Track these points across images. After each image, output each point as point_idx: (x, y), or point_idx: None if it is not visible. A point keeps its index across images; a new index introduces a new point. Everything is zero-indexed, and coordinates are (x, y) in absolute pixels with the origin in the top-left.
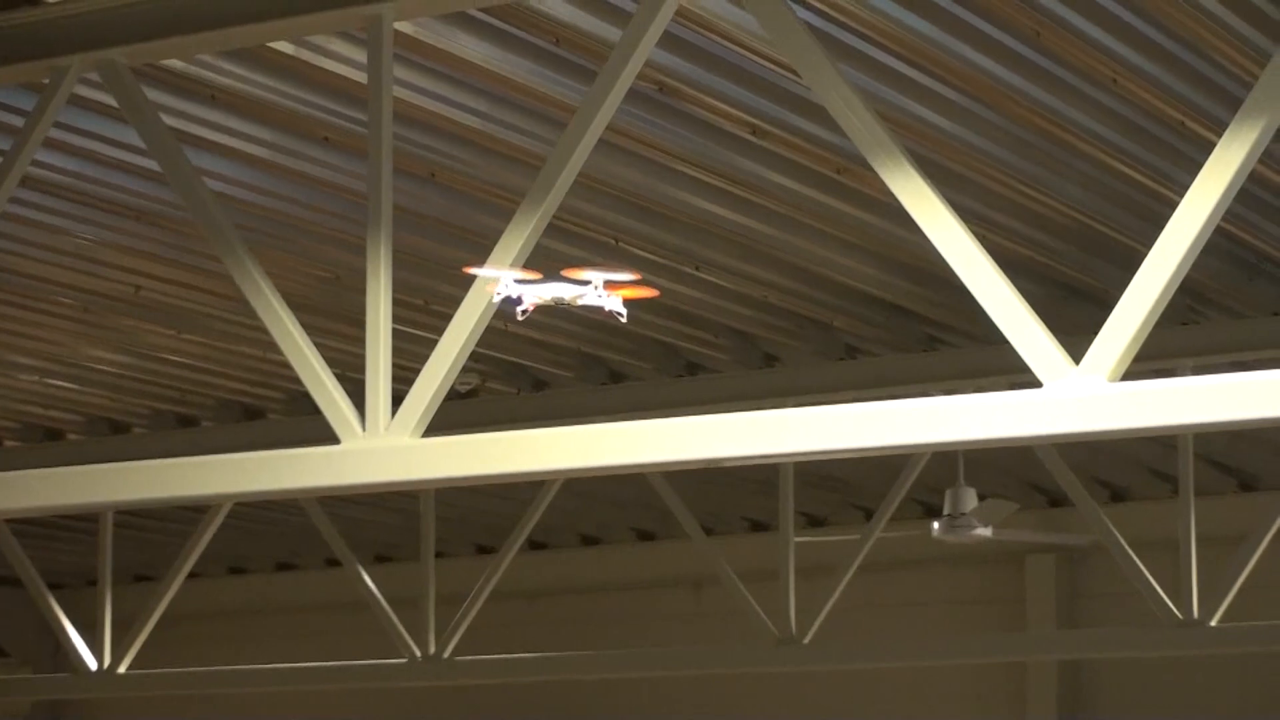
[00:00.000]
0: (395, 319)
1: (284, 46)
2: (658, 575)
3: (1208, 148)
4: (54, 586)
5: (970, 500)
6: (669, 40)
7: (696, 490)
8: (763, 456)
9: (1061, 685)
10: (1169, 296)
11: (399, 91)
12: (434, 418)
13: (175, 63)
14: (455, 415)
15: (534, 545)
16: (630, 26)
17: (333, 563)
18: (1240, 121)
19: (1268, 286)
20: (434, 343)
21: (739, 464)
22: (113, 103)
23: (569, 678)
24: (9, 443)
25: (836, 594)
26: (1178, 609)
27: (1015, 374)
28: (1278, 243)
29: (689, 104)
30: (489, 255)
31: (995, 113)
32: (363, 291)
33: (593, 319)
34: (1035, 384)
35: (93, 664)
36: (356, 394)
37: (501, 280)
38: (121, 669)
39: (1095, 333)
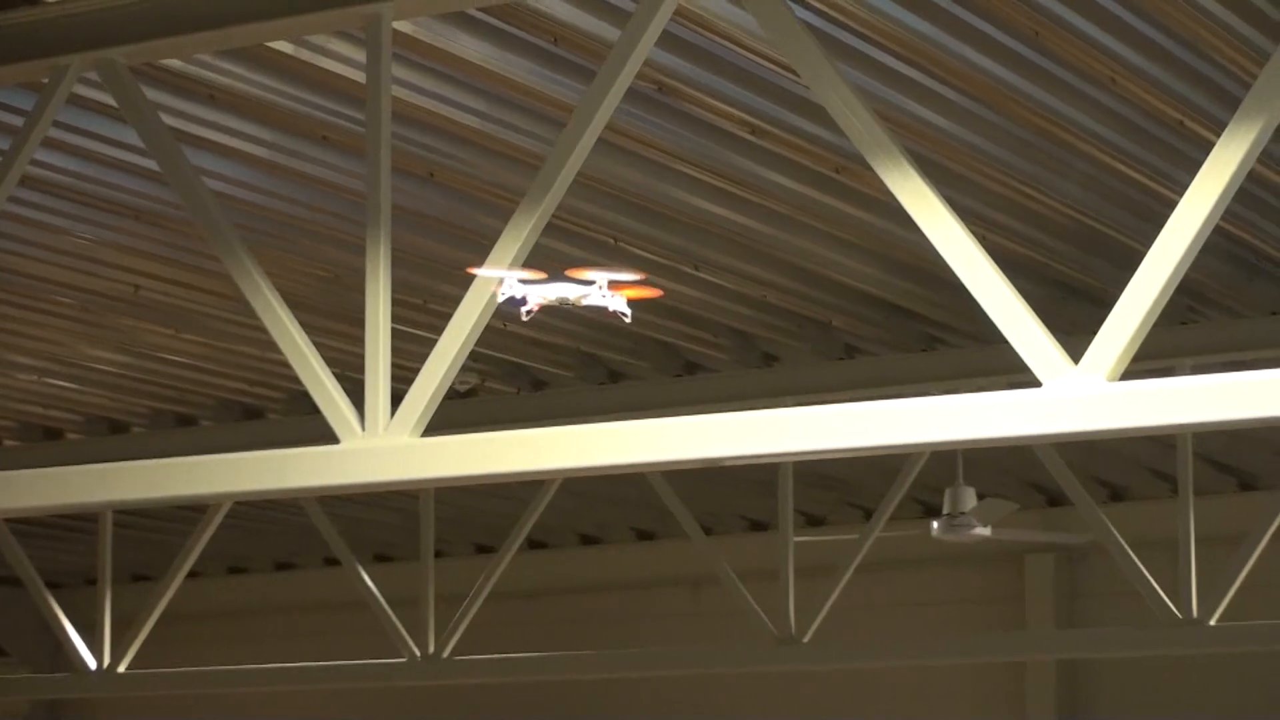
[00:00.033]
0: (394, 318)
1: (283, 46)
2: (657, 575)
3: (1207, 147)
4: (53, 586)
5: (969, 500)
6: (668, 40)
7: (696, 490)
8: (762, 456)
9: (1060, 685)
10: (1168, 296)
11: (398, 91)
12: (433, 417)
13: (174, 62)
14: (454, 415)
15: (533, 545)
16: (629, 26)
17: (332, 562)
18: (1239, 121)
19: (1267, 286)
20: (433, 342)
21: (738, 463)
22: (112, 102)
23: (568, 677)
24: (8, 442)
25: (835, 593)
26: (1177, 608)
27: (1014, 373)
28: (1277, 242)
29: (688, 103)
30: (488, 255)
31: (994, 112)
32: (362, 291)
33: (592, 319)
34: (1034, 383)
35: (92, 663)
36: (356, 393)
37: (506, 281)
38: (121, 668)
39: (1094, 332)
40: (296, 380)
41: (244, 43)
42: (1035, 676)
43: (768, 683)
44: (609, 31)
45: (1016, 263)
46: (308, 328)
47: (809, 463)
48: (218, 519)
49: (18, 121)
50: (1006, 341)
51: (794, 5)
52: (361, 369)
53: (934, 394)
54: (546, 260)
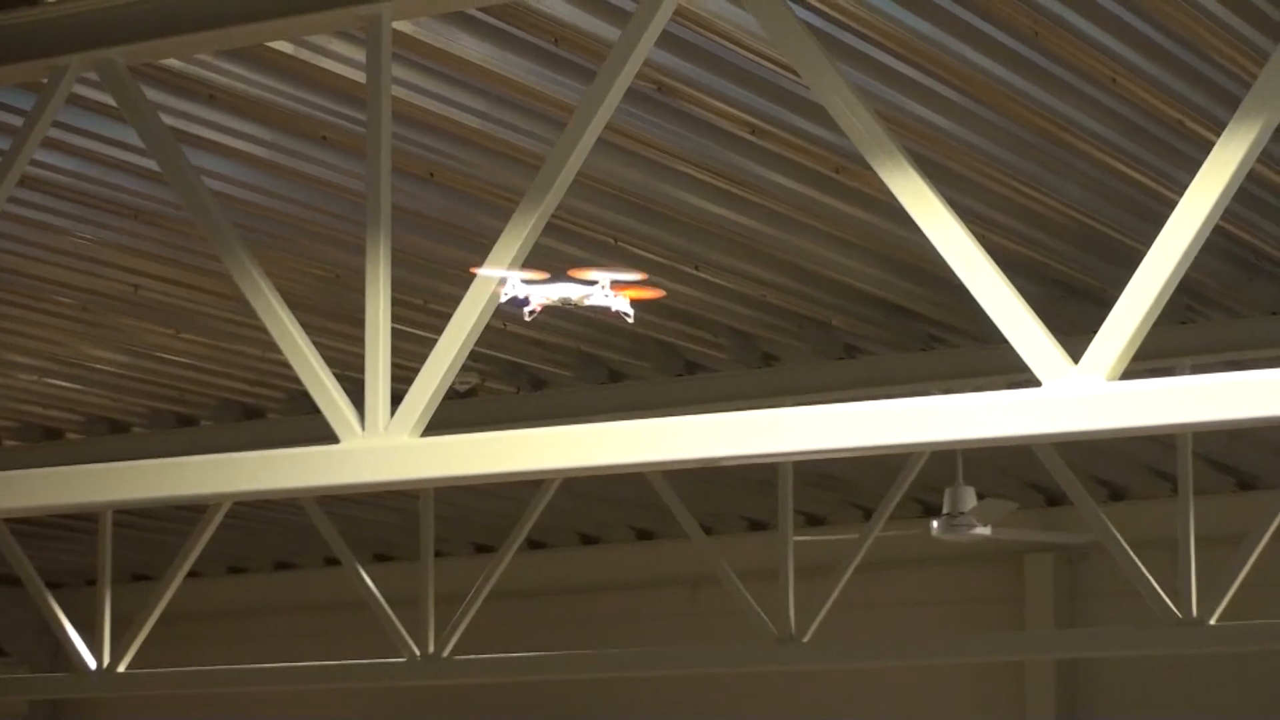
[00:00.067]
0: (394, 318)
1: (283, 46)
2: (657, 574)
3: (1206, 147)
4: (53, 586)
5: (969, 499)
6: (668, 40)
7: (695, 489)
8: (761, 456)
9: (1060, 684)
10: (1168, 295)
11: (398, 91)
12: (433, 417)
13: (174, 62)
14: (454, 414)
15: (533, 544)
16: (629, 26)
17: (332, 562)
18: (1239, 121)
19: (1266, 286)
20: (433, 342)
21: (738, 463)
22: (112, 102)
23: (568, 677)
24: (8, 442)
25: (835, 593)
26: (1176, 608)
27: (1014, 373)
28: (1276, 242)
29: (688, 103)
30: (488, 255)
31: (994, 112)
32: (362, 291)
33: (591, 318)
34: (1034, 383)
35: (92, 663)
36: (356, 393)
37: (509, 281)
38: (121, 668)
39: (1094, 332)
40: (296, 380)
41: (244, 43)
42: (1035, 676)
43: (767, 682)
44: (609, 31)
45: (1016, 262)
46: (308, 328)
47: (809, 462)
48: (217, 519)
49: (17, 121)
50: (1006, 341)
51: (794, 5)
52: (361, 369)
53: (934, 394)
54: (546, 260)
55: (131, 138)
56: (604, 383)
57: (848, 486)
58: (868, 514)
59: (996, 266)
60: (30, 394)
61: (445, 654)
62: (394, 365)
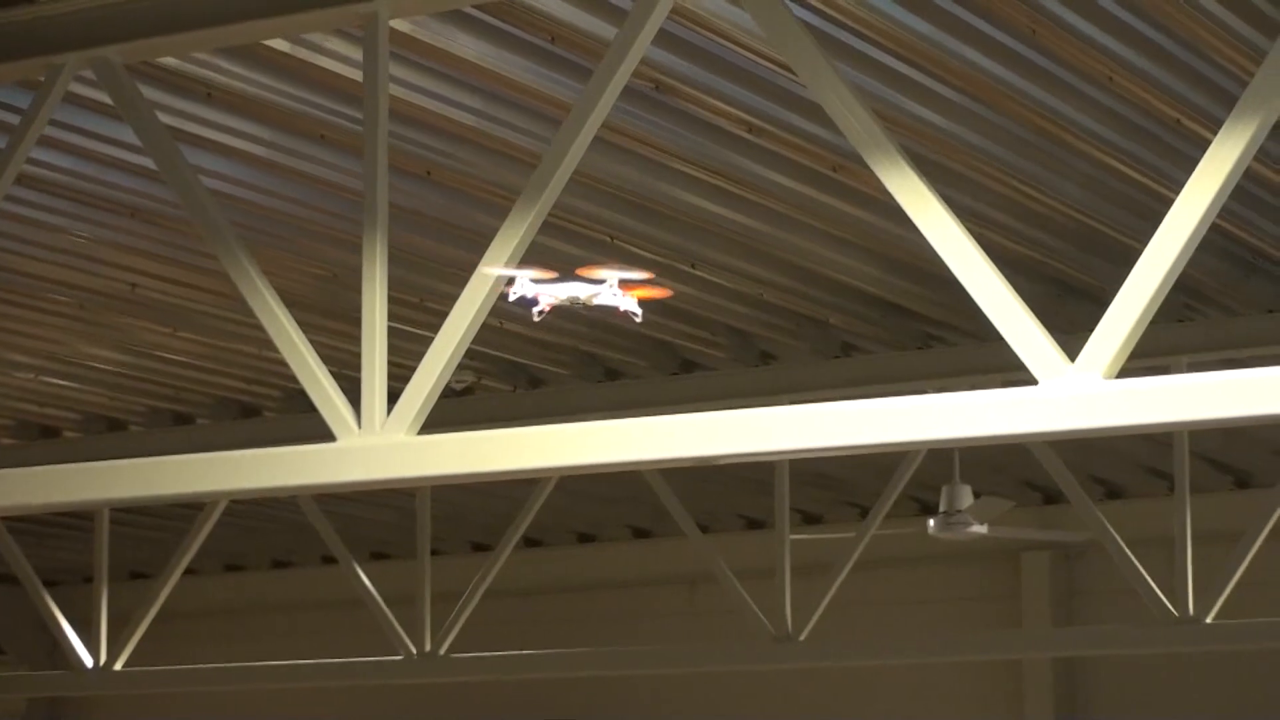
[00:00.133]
0: (391, 317)
1: (280, 44)
2: (653, 573)
3: (1203, 145)
4: (50, 584)
5: (966, 498)
6: (665, 38)
7: (692, 488)
8: (758, 454)
9: (1057, 682)
10: (1164, 294)
11: (395, 89)
12: (430, 415)
13: (171, 60)
14: (451, 413)
15: (529, 543)
16: (626, 24)
17: (328, 560)
18: (1236, 119)
19: (1263, 284)
20: (430, 340)
21: (735, 461)
22: (108, 100)
23: (564, 675)
24: (5, 440)
25: (832, 591)
26: (1173, 606)
27: (1011, 371)
28: (1273, 240)
29: (685, 102)
30: (485, 253)
31: (992, 111)
32: (359, 289)
33: (588, 316)
34: (1031, 381)
35: (89, 661)
36: (352, 392)
37: (517, 280)
38: (118, 666)
39: (1091, 330)
40: (293, 378)
41: (241, 41)
42: (1032, 674)
43: (764, 681)
44: (606, 30)
45: (1013, 261)
46: (305, 326)
47: (805, 461)
48: (214, 517)
49: (14, 120)
50: (1003, 339)
51: (791, 4)
52: (358, 367)
53: (931, 392)
54: (544, 259)
55: (128, 136)
56: (601, 381)
57: (844, 485)
58: (864, 512)
59: (993, 265)
60: (27, 392)
61: (442, 652)
62: (391, 364)
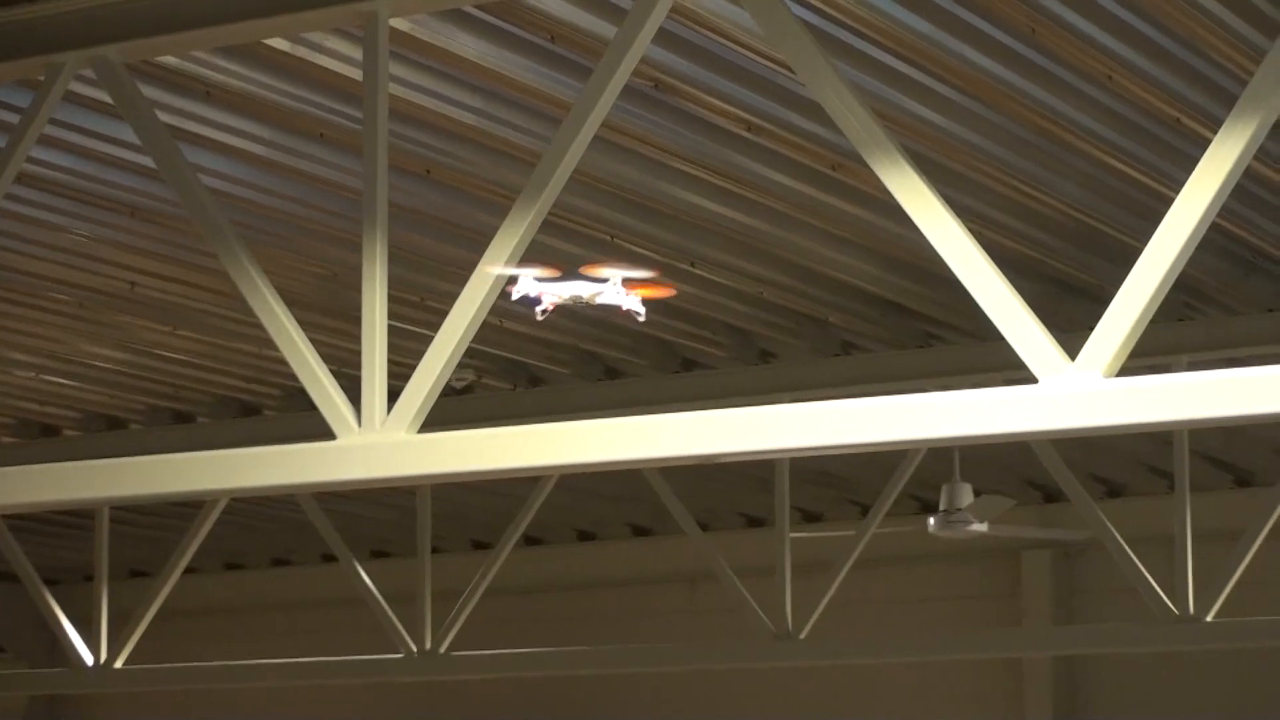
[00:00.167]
0: (391, 315)
1: (279, 43)
2: (653, 571)
3: (1203, 144)
4: (50, 582)
5: (966, 496)
6: (664, 37)
7: (692, 486)
8: (758, 452)
9: (1057, 680)
10: (1164, 293)
11: (395, 88)
12: (430, 413)
13: (170, 59)
14: (451, 411)
15: (530, 541)
16: (626, 23)
17: (329, 558)
18: (1235, 118)
19: (1263, 283)
20: (430, 339)
21: (735, 460)
22: (108, 99)
23: (564, 673)
24: (6, 439)
25: (832, 590)
26: (1173, 604)
27: (1011, 370)
28: (1273, 239)
29: (685, 101)
30: (485, 252)
31: (991, 110)
32: (359, 288)
33: (588, 315)
34: (1031, 380)
35: (89, 659)
36: (352, 390)
37: (521, 279)
38: (118, 664)
39: (1091, 329)
40: (293, 377)
41: (240, 40)
42: (1032, 673)
43: (764, 679)
44: (606, 29)
45: (1013, 260)
46: (304, 325)
47: (806, 459)
48: (214, 515)
49: (14, 119)
50: (1003, 338)
51: (791, 3)
52: (358, 366)
53: (931, 391)
54: (543, 258)
55: (128, 135)
56: (601, 379)
57: (845, 483)
58: (865, 511)
59: (993, 264)
60: (28, 391)
61: (442, 650)
62: (391, 362)
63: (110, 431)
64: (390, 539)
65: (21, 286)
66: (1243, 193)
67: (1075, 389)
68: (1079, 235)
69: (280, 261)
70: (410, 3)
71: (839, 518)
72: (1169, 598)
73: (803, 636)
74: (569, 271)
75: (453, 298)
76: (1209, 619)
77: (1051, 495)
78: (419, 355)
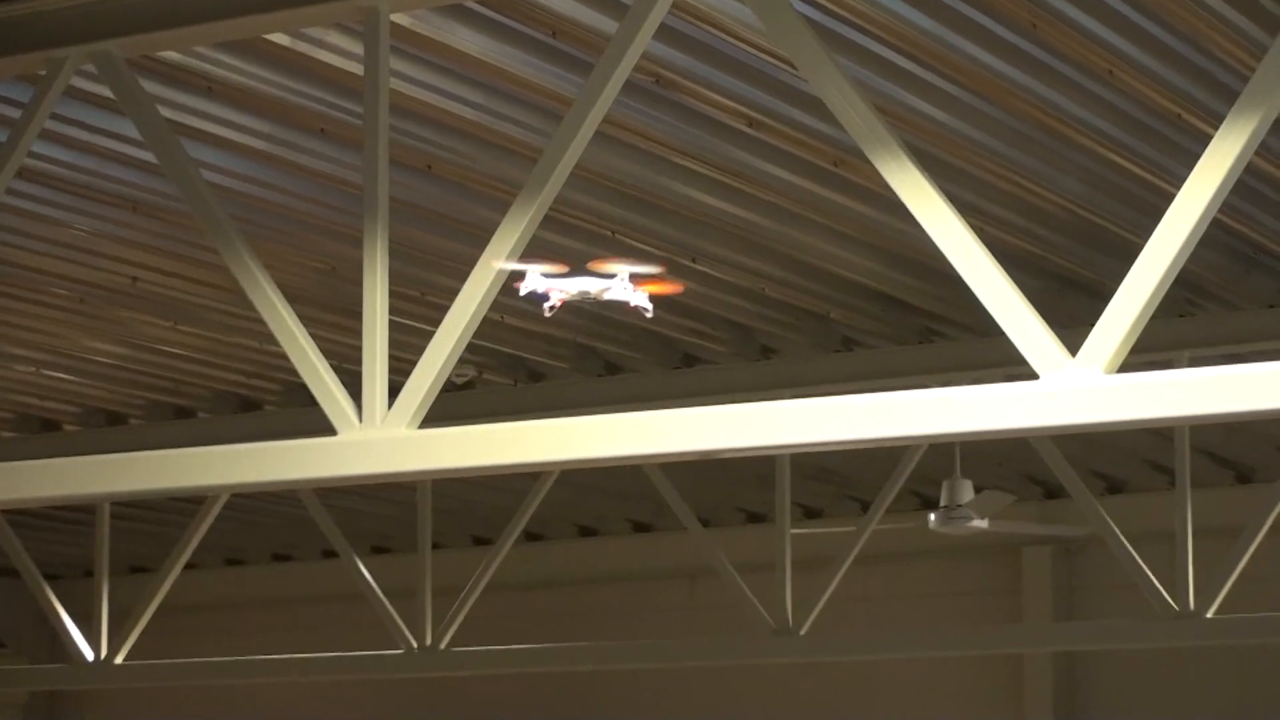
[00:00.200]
0: (392, 310)
1: (280, 38)
2: (654, 567)
3: (1204, 140)
4: (51, 577)
5: (967, 492)
6: (666, 32)
7: (693, 482)
8: (759, 448)
9: (1058, 677)
10: (1165, 289)
11: (395, 84)
12: (431, 409)
13: (171, 54)
14: (452, 407)
15: (530, 537)
16: (627, 19)
17: (329, 554)
18: (1237, 114)
19: (1264, 279)
20: (431, 334)
21: (735, 455)
22: (109, 94)
23: (565, 669)
24: (6, 434)
25: (833, 586)
26: (1174, 601)
27: (1012, 366)
28: (1274, 235)
29: (686, 96)
30: (486, 247)
31: (992, 105)
32: (359, 283)
33: (589, 310)
34: (1031, 376)
35: (89, 655)
36: (353, 385)
37: (528, 275)
38: (118, 660)
39: (1092, 325)
40: (294, 372)
41: (241, 35)
42: (1032, 669)
43: (765, 675)
44: (607, 24)
45: (1014, 255)
46: (305, 320)
47: (806, 455)
48: (215, 510)
49: (15, 114)
50: (1004, 334)
51: None
52: (359, 361)
53: (931, 386)
54: (544, 253)
55: (129, 130)
56: (602, 375)
57: (845, 479)
58: (865, 507)
59: (994, 260)
60: (28, 385)
61: (442, 646)
62: (391, 357)
63: (111, 427)
64: (391, 534)
65: (22, 281)
66: (1244, 188)
67: (1076, 385)
68: (1080, 231)
69: (281, 256)
70: None
71: (839, 514)
72: (1169, 594)
73: (803, 632)
74: (576, 267)
75: (453, 293)
76: (1209, 615)
77: (1052, 491)
78: (420, 351)
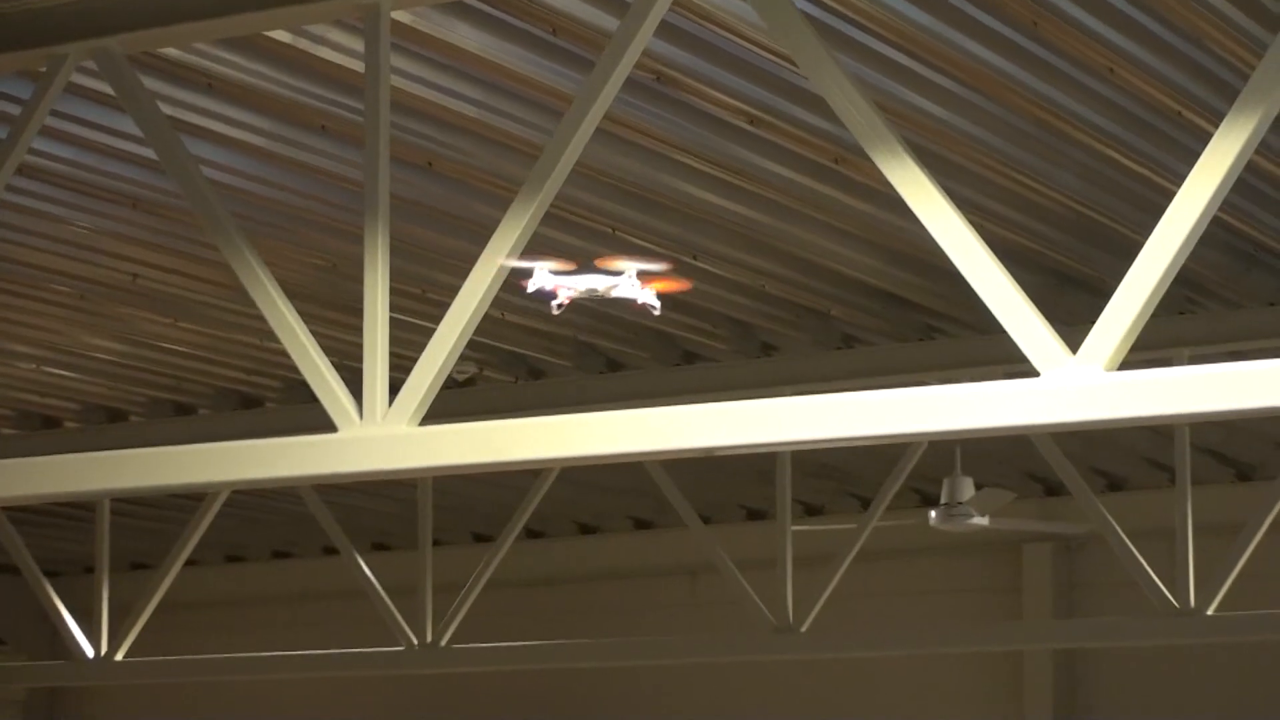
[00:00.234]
0: (393, 307)
1: (281, 35)
2: (655, 564)
3: (1205, 138)
4: (51, 574)
5: (967, 489)
6: (667, 29)
7: (694, 479)
8: (760, 445)
9: (1058, 674)
10: (1166, 286)
11: (396, 80)
12: (431, 406)
13: (172, 51)
14: (453, 404)
15: (531, 534)
16: (628, 16)
17: (330, 551)
18: (1237, 112)
19: (1264, 277)
20: (431, 331)
21: (736, 452)
22: (110, 91)
23: (566, 666)
24: (6, 430)
25: (834, 583)
26: (1174, 598)
27: (1012, 363)
28: (1274, 233)
29: (687, 93)
30: (487, 245)
31: (993, 103)
32: (360, 280)
33: (590, 307)
34: (1032, 373)
35: (90, 652)
36: (354, 382)
37: (535, 272)
38: (118, 657)
39: (1092, 322)
40: (294, 369)
41: (242, 32)
42: (1033, 666)
43: (765, 672)
44: (607, 21)
45: (1014, 253)
46: (306, 317)
47: (807, 452)
48: (215, 507)
49: (16, 110)
50: (1004, 331)
51: None
52: (359, 358)
53: (932, 384)
54: (544, 250)
55: (130, 126)
56: (602, 372)
57: (846, 476)
58: (866, 504)
59: (994, 257)
60: (28, 382)
61: (443, 643)
62: (392, 354)
63: (111, 423)
64: (391, 531)
65: (22, 278)
66: (1244, 186)
67: (1076, 382)
68: (1080, 228)
69: (282, 253)
70: None
71: (840, 511)
72: (1170, 591)
73: (804, 629)
74: (583, 265)
75: (454, 290)
76: (1210, 613)
77: (1052, 489)
78: (420, 348)
